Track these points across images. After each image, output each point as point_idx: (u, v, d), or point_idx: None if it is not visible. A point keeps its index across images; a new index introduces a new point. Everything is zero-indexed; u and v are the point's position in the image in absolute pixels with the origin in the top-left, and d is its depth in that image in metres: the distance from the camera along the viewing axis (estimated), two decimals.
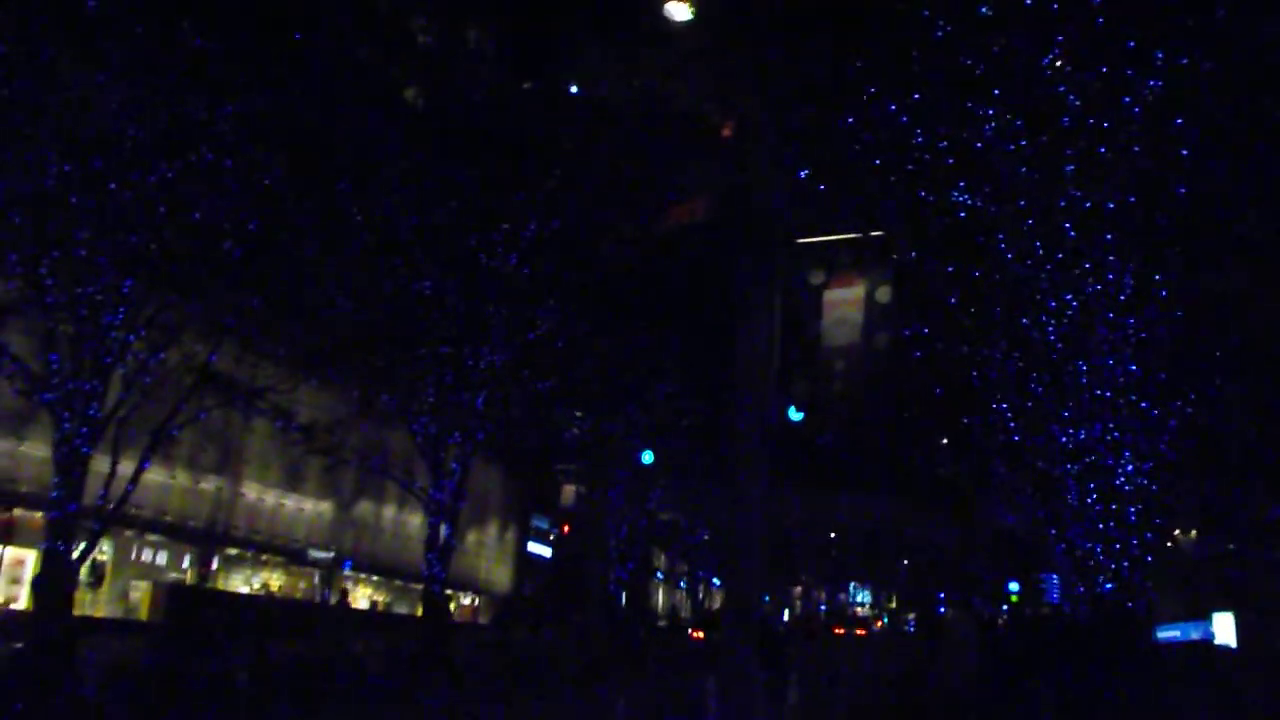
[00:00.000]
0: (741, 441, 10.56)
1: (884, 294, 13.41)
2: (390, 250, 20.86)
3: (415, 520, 38.01)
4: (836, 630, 68.04)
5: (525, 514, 46.68)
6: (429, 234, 21.34)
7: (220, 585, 31.12)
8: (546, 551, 48.56)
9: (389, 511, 38.92)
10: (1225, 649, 26.81)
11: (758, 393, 10.68)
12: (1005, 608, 56.37)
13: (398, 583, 39.83)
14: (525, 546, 47.66)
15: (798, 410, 21.59)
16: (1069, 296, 12.82)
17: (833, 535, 68.46)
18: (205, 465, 29.66)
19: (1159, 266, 12.76)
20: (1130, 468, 16.72)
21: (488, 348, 22.48)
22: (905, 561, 74.85)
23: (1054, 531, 22.22)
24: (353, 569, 37.02)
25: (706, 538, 41.58)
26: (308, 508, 33.97)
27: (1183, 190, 12.76)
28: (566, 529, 41.51)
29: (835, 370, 10.44)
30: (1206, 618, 29.25)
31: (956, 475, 32.32)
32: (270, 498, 32.38)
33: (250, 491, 31.52)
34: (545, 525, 50.14)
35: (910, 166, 12.57)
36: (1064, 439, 16.72)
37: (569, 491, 40.74)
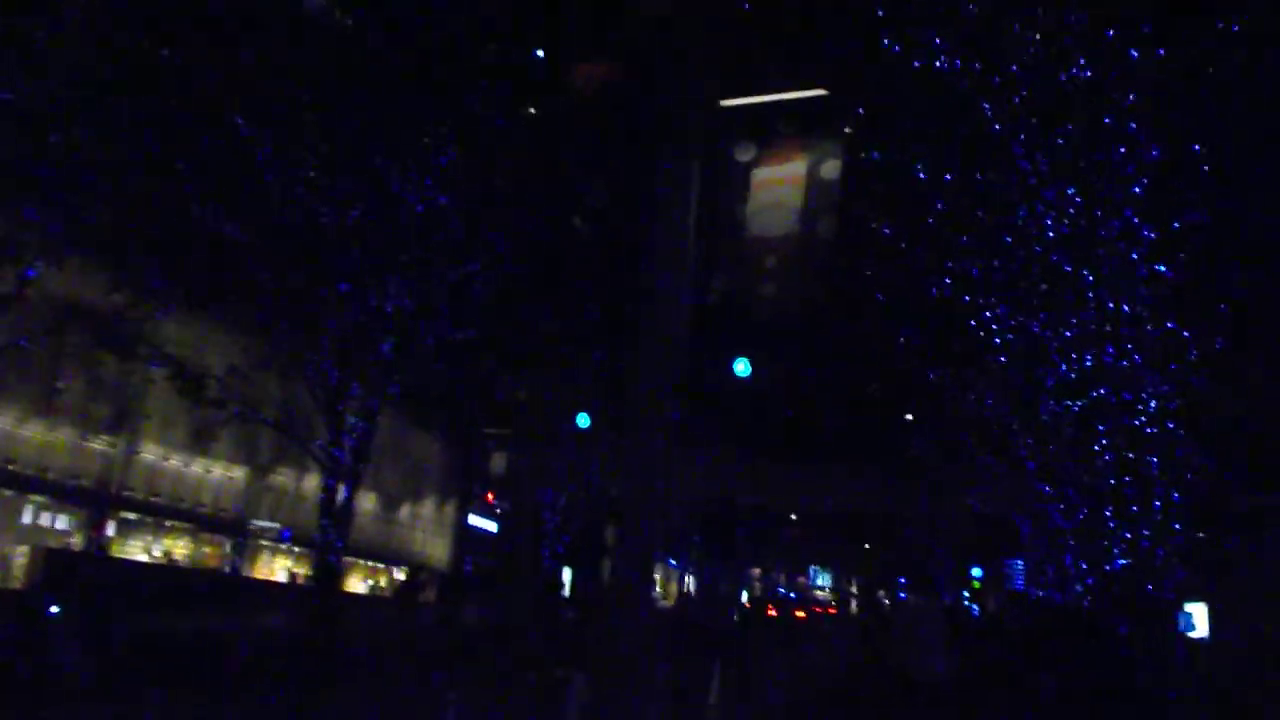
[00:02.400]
0: (645, 360, 8.09)
1: (830, 170, 10.87)
2: (283, 168, 18.16)
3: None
4: (798, 614, 66.31)
5: (467, 486, 44.08)
6: (329, 153, 18.68)
7: (116, 552, 28.34)
8: (492, 526, 46.11)
9: (312, 480, 36.10)
10: (1201, 641, 25.16)
11: (668, 306, 8.17)
12: (965, 595, 54.42)
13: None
14: (466, 519, 45.08)
15: (744, 364, 19.13)
16: (1071, 191, 10.32)
17: (792, 516, 66.47)
18: (96, 421, 26.80)
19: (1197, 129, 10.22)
20: (1154, 404, 14.21)
21: (396, 288, 19.87)
22: (866, 545, 72.99)
23: (1045, 493, 19.78)
24: (290, 540, 34.35)
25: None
26: (217, 472, 31.12)
27: None
28: (491, 497, 38.96)
29: (766, 268, 7.73)
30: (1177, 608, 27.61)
31: (921, 439, 30.10)
32: (174, 460, 29.52)
33: (150, 452, 28.64)
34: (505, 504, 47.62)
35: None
36: (1065, 367, 14.21)
37: (499, 458, 38.12)
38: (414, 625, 21.71)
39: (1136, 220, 11.12)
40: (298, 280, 19.10)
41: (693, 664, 17.17)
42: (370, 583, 39.91)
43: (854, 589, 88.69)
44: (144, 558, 29.23)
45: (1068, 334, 12.69)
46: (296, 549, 36.23)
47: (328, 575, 20.01)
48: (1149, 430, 14.77)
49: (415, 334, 20.43)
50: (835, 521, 61.43)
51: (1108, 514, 16.43)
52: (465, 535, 45.32)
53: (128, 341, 19.56)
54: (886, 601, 54.98)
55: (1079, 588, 22.99)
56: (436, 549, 44.59)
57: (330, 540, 19.89)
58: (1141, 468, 16.32)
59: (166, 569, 28.36)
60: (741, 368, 18.57)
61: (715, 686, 15.08)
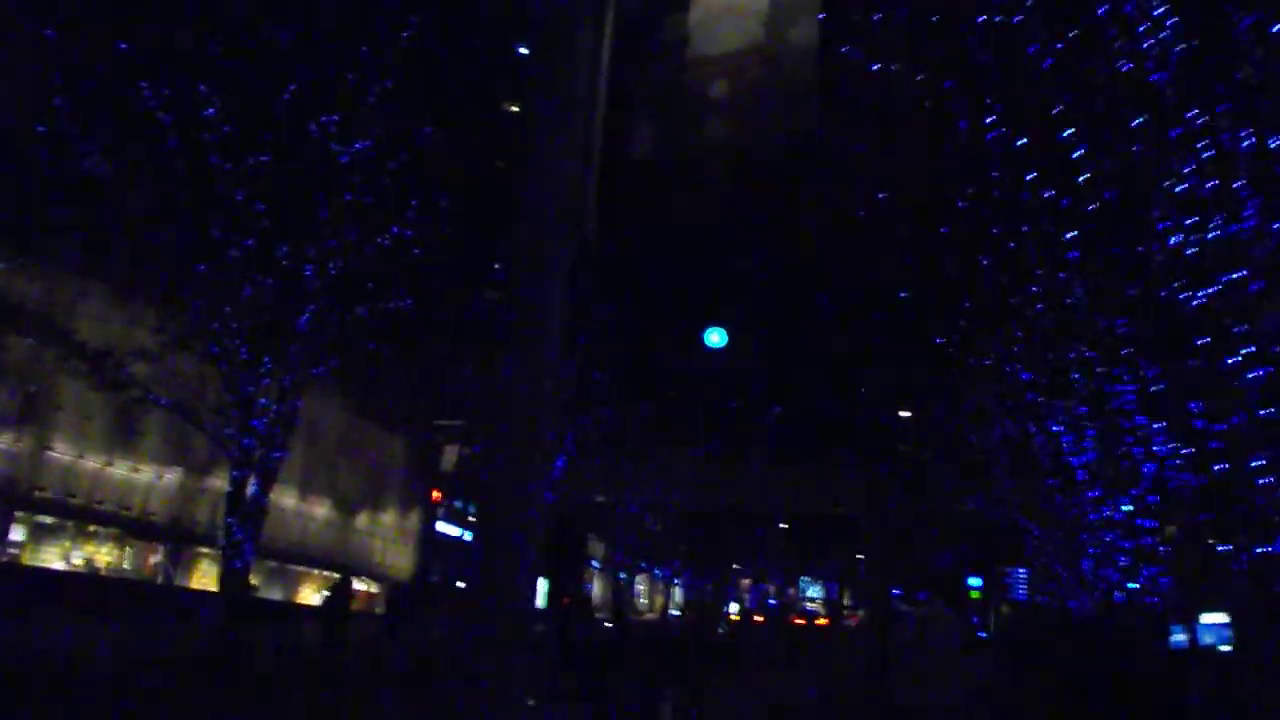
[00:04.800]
0: (516, 292, 5.45)
1: None
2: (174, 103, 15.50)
3: (286, 499, 32.54)
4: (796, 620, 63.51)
5: (427, 488, 41.23)
6: (237, 93, 16.08)
7: (27, 559, 25.50)
8: (462, 533, 43.30)
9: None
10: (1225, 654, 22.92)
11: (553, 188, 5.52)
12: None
13: (270, 563, 34.21)
14: (432, 525, 42.22)
15: (719, 334, 16.48)
16: None
17: (781, 526, 63.67)
18: None
19: None
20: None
21: (316, 249, 17.18)
22: (860, 556, 70.15)
23: (1058, 492, 17.42)
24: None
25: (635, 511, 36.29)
26: (145, 472, 28.24)
27: None
28: (438, 496, 36.10)
29: (714, 103, 5.08)
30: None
31: (916, 440, 27.59)
32: (93, 459, 26.65)
33: (63, 450, 25.75)
34: (461, 505, 44.85)
35: None
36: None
37: (450, 454, 35.25)
38: (338, 641, 18.87)
39: None
40: (193, 237, 16.39)
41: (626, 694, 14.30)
42: (325, 594, 37.05)
43: (845, 599, 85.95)
44: (60, 565, 26.43)
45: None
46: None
47: (235, 584, 17.19)
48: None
49: (339, 306, 17.73)
50: (825, 527, 58.64)
51: (1152, 503, 14.05)
52: (431, 543, 42.48)
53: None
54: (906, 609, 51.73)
55: (1096, 596, 20.51)
56: (401, 558, 41.73)
57: (238, 542, 17.10)
58: (1169, 469, 13.91)
59: (73, 578, 25.48)
60: (716, 338, 15.94)
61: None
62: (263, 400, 17.12)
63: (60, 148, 15.79)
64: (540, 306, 5.81)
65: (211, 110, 15.81)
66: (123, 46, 15.60)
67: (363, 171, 17.16)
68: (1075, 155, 11.64)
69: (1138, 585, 14.47)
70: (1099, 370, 13.17)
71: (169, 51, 15.86)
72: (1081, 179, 11.41)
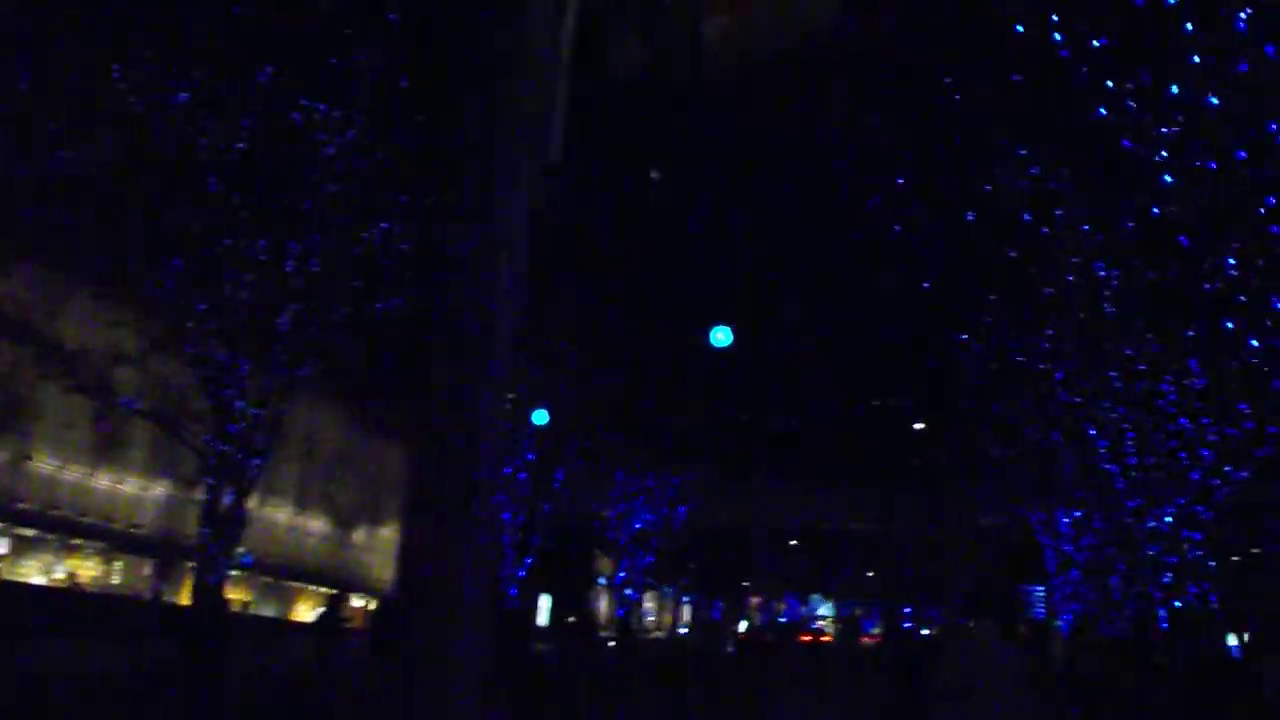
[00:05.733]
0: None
1: None
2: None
3: (280, 513, 31.56)
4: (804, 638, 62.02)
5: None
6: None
7: (6, 573, 24.53)
8: None
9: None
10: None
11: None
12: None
13: (265, 578, 33.21)
14: None
15: (724, 333, 15.43)
16: None
17: (792, 542, 62.40)
18: None
19: None
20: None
21: (298, 243, 16.19)
22: (870, 574, 68.73)
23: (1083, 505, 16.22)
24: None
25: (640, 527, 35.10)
26: (130, 484, 27.27)
27: None
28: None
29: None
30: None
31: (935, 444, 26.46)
32: (76, 470, 25.69)
33: (44, 461, 24.79)
34: None
35: None
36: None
37: None
38: (324, 661, 17.80)
39: None
40: (168, 232, 15.41)
41: None
42: (321, 610, 35.97)
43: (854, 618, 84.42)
44: (41, 580, 25.45)
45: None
46: (234, 571, 32.37)
47: (206, 599, 16.11)
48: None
49: (323, 304, 16.71)
50: (835, 544, 57.39)
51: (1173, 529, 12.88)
52: None
53: None
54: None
55: (1127, 614, 19.29)
56: (390, 574, 40.67)
57: (213, 555, 16.03)
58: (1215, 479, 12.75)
59: (63, 593, 24.48)
60: (721, 336, 14.89)
61: None
62: (240, 404, 16.07)
63: (26, 138, 14.91)
64: (489, 267, 4.77)
65: (185, 96, 14.86)
66: (91, 26, 14.73)
67: (350, 163, 16.16)
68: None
69: (1181, 604, 13.28)
70: (1141, 368, 12.08)
71: (139, 32, 14.93)
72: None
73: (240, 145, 15.23)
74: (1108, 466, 14.00)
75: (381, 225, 16.88)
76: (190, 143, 15.05)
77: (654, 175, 22.97)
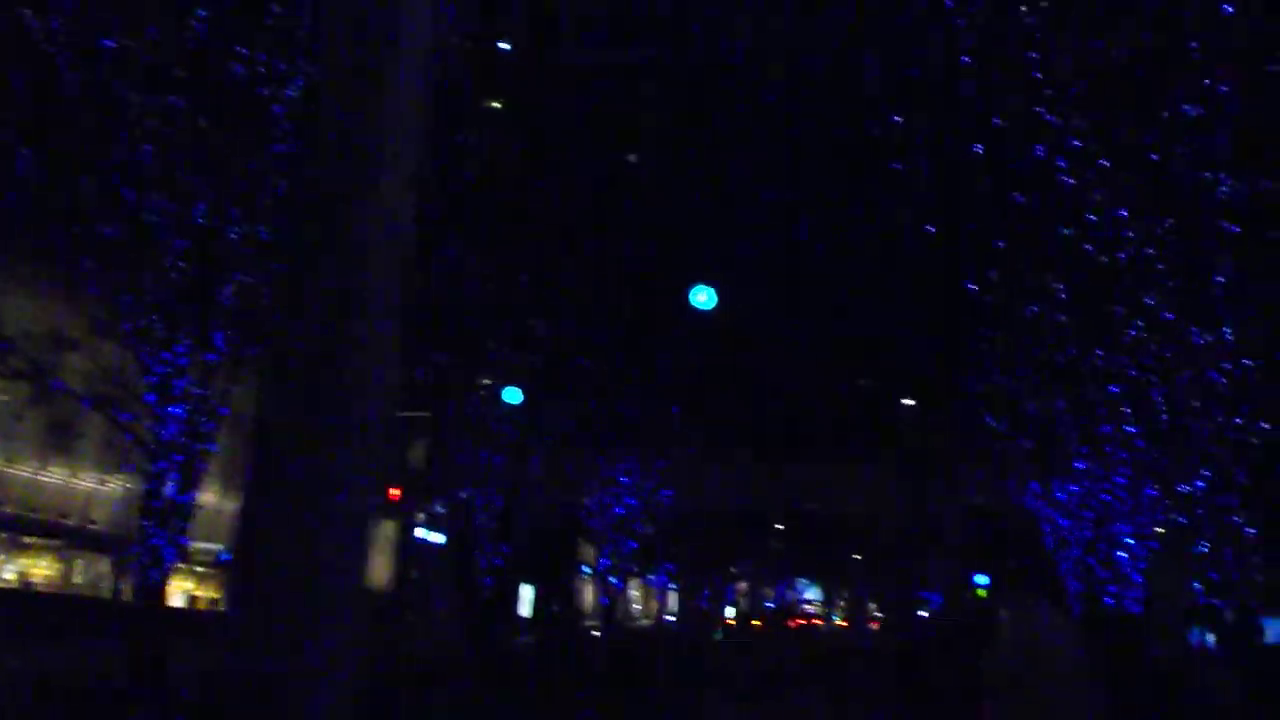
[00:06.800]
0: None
1: None
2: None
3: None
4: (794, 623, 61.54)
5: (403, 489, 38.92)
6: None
7: None
8: (441, 538, 41.09)
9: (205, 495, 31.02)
10: None
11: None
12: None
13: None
14: (410, 532, 39.98)
15: (709, 295, 14.28)
16: None
17: (778, 527, 61.54)
18: None
19: None
20: None
21: (241, 210, 14.92)
22: (857, 556, 67.95)
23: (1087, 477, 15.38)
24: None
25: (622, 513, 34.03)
26: (85, 480, 25.91)
27: None
28: (397, 493, 33.89)
29: None
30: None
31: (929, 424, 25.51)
32: (23, 466, 24.32)
33: None
34: (442, 509, 42.64)
35: None
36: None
37: (419, 447, 32.98)
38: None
39: None
40: (98, 196, 14.12)
41: None
42: None
43: (843, 603, 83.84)
44: None
45: None
46: (199, 568, 31.13)
47: (150, 597, 14.85)
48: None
49: (270, 276, 15.45)
50: (823, 526, 56.49)
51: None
52: (411, 550, 40.23)
53: None
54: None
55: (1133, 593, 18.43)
56: (378, 567, 39.44)
57: (155, 549, 14.77)
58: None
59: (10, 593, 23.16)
60: (704, 298, 13.74)
61: None
62: (181, 383, 14.78)
63: None
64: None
65: (111, 42, 13.53)
66: None
67: (296, 120, 14.87)
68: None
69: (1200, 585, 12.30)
70: (1169, 316, 11.03)
71: None
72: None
73: (177, 100, 13.96)
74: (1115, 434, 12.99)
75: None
76: (117, 97, 13.77)
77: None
